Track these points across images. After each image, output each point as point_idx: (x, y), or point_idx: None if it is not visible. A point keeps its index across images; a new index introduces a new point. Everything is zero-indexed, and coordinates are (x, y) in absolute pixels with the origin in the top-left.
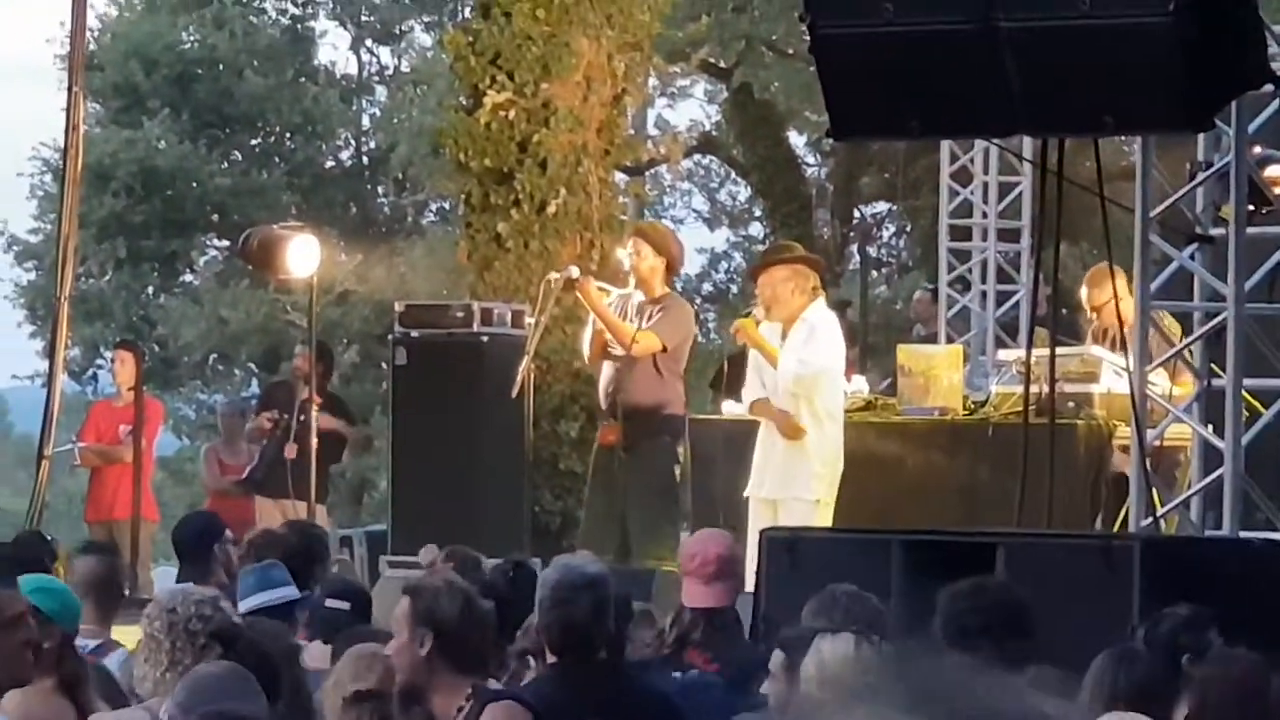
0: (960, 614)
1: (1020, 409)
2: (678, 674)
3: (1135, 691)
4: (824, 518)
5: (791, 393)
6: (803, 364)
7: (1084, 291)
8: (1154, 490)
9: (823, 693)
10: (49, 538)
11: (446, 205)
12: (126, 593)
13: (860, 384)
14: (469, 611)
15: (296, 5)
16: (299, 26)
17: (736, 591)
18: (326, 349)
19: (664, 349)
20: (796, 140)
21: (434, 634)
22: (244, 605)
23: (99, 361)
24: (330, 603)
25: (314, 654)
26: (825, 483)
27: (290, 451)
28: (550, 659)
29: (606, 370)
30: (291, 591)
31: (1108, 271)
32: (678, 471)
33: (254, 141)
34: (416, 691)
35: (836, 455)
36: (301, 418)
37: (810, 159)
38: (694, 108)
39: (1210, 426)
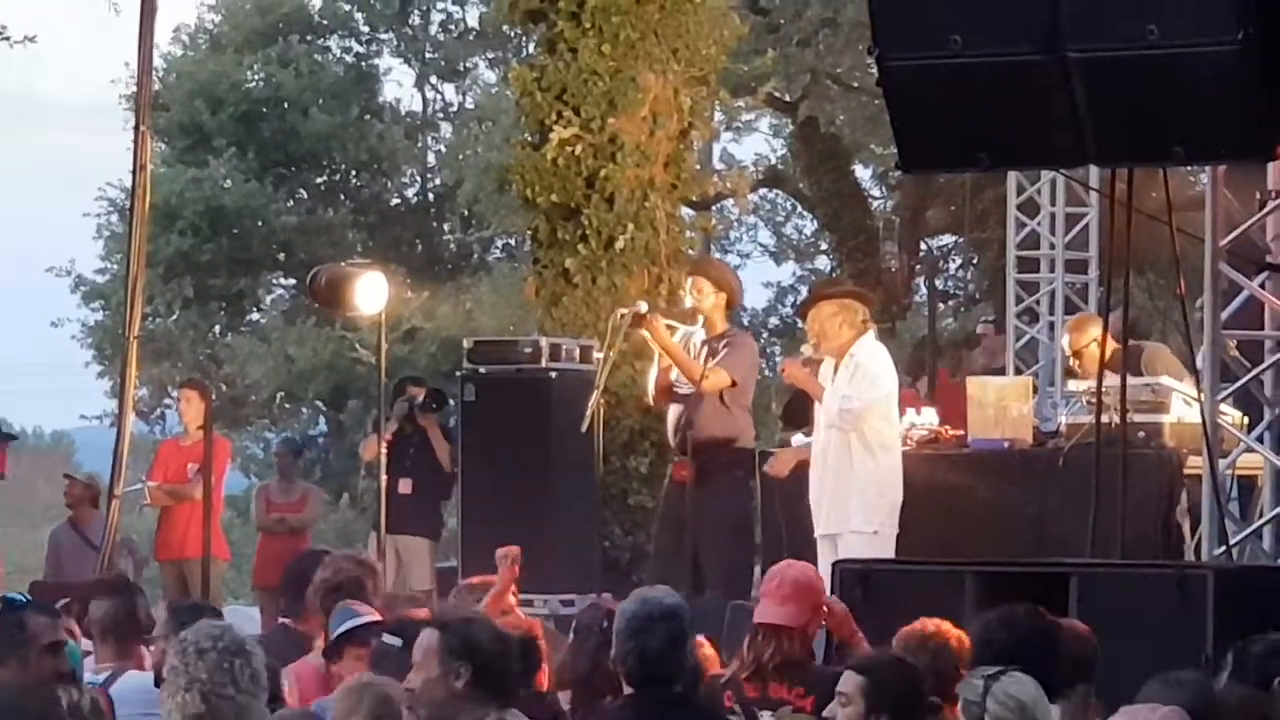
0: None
1: (1091, 439)
2: (767, 712)
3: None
4: (884, 549)
5: (839, 428)
6: (847, 399)
7: (1065, 338)
8: (1226, 520)
9: None
10: (130, 579)
11: (512, 241)
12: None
13: (930, 416)
14: (500, 643)
15: (361, 43)
16: (363, 64)
17: (811, 621)
18: (440, 393)
19: (733, 384)
20: (862, 173)
21: (471, 665)
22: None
23: (166, 401)
24: (386, 638)
25: None
26: (882, 513)
27: (405, 487)
28: (627, 690)
29: (674, 408)
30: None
31: (1090, 318)
32: (752, 505)
33: (319, 179)
34: None
35: (894, 485)
36: (411, 452)
37: (876, 192)
38: (760, 142)
39: None
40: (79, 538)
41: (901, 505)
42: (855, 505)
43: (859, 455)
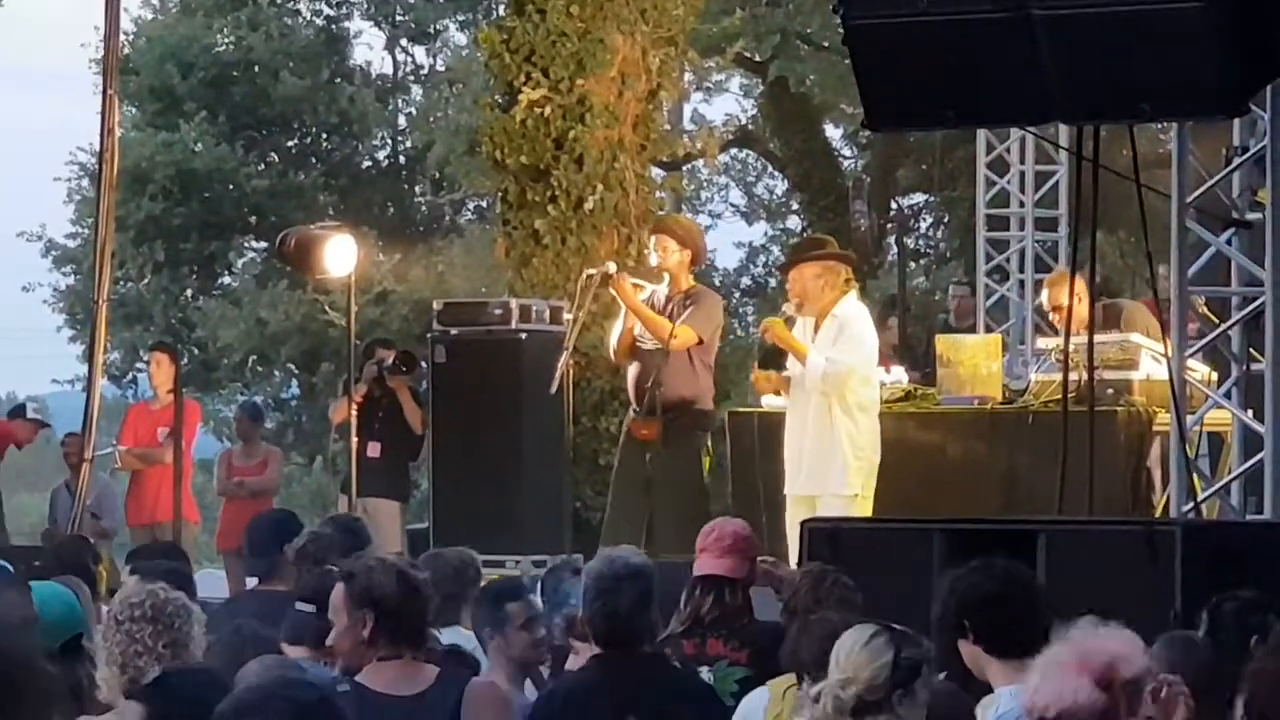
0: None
1: (1060, 397)
2: (705, 668)
3: (1203, 675)
4: (862, 510)
5: (821, 390)
6: (831, 361)
7: (1045, 293)
8: (1194, 476)
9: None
10: (91, 540)
11: (484, 203)
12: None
13: (900, 374)
14: (406, 586)
15: (331, 6)
16: (334, 27)
17: (750, 573)
18: (412, 355)
19: (700, 342)
20: (833, 133)
21: (375, 613)
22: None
23: (138, 365)
24: (300, 605)
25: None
26: (861, 476)
27: (374, 450)
28: (594, 649)
29: (635, 366)
30: None
31: (1067, 274)
32: (704, 466)
33: (290, 143)
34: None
35: (872, 448)
36: (381, 415)
37: (847, 151)
38: (729, 102)
39: (1250, 411)
40: (70, 495)
41: None
42: (835, 468)
43: (840, 418)
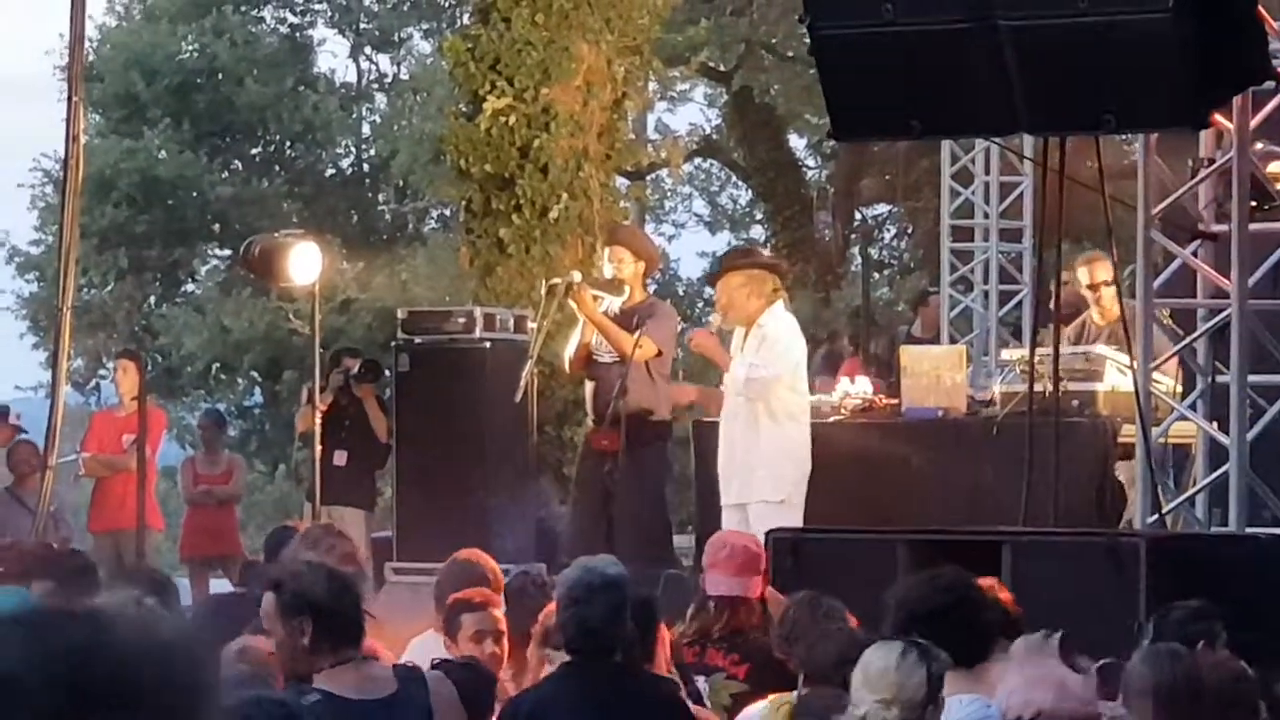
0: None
1: (1024, 408)
2: (701, 677)
3: (1186, 687)
4: (790, 518)
5: (745, 397)
6: (753, 368)
7: (1082, 270)
8: (1159, 488)
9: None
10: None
11: (448, 212)
12: None
13: (864, 385)
14: (338, 585)
15: (295, 14)
16: (298, 35)
17: (764, 590)
18: (376, 364)
19: (659, 354)
20: (797, 143)
21: (312, 618)
22: None
23: (101, 372)
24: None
25: None
26: (789, 483)
27: (340, 458)
28: (565, 657)
29: (590, 379)
30: None
31: (1098, 255)
32: (670, 476)
33: (254, 150)
34: (305, 679)
35: (801, 455)
36: (347, 423)
37: (811, 162)
38: (694, 111)
39: (1215, 423)
40: (16, 503)
41: (837, 474)
42: (762, 475)
43: (765, 425)
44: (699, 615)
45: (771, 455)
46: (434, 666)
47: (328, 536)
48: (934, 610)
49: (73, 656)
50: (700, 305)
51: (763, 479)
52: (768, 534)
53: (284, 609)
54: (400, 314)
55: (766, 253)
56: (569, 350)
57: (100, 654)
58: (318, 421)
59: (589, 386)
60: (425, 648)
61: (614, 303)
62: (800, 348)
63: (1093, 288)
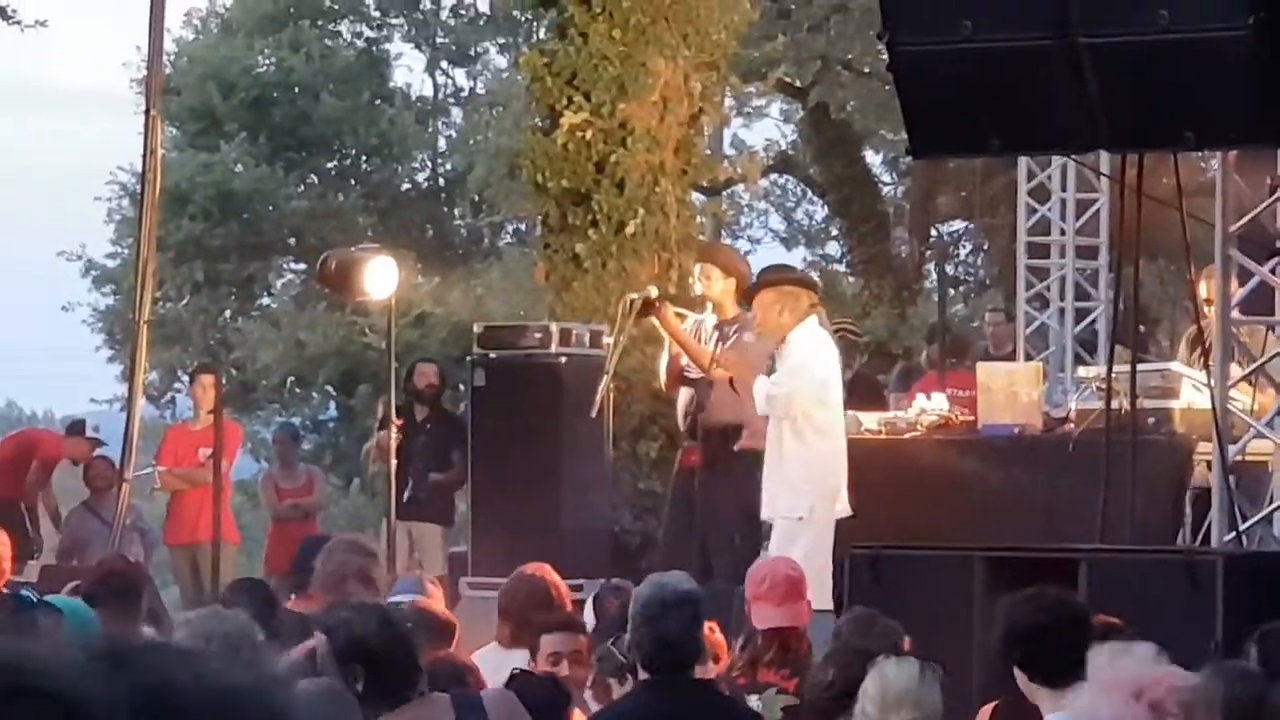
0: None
1: (1101, 425)
2: (754, 695)
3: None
4: (811, 535)
5: (769, 414)
6: (775, 385)
7: (1204, 285)
8: (1236, 506)
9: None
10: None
11: (523, 226)
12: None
13: (940, 401)
14: (390, 633)
15: (372, 28)
16: (374, 49)
17: (807, 615)
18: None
19: (738, 370)
20: (873, 159)
21: (364, 667)
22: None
23: (177, 385)
24: None
25: None
26: (811, 499)
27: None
28: (642, 675)
29: (684, 393)
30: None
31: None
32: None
33: (330, 164)
34: None
35: (827, 469)
36: (423, 439)
37: (887, 178)
38: (770, 127)
39: None
40: (96, 519)
41: (913, 491)
42: (782, 490)
43: (789, 441)
44: (748, 645)
45: (790, 470)
46: (512, 677)
47: (347, 552)
48: (1031, 629)
49: (152, 692)
50: None
51: (783, 494)
52: (850, 549)
53: (337, 656)
54: (476, 329)
55: (798, 269)
56: (662, 366)
57: (179, 693)
58: (393, 436)
59: (680, 401)
60: (485, 661)
61: (708, 319)
62: (825, 362)
63: (1210, 301)
